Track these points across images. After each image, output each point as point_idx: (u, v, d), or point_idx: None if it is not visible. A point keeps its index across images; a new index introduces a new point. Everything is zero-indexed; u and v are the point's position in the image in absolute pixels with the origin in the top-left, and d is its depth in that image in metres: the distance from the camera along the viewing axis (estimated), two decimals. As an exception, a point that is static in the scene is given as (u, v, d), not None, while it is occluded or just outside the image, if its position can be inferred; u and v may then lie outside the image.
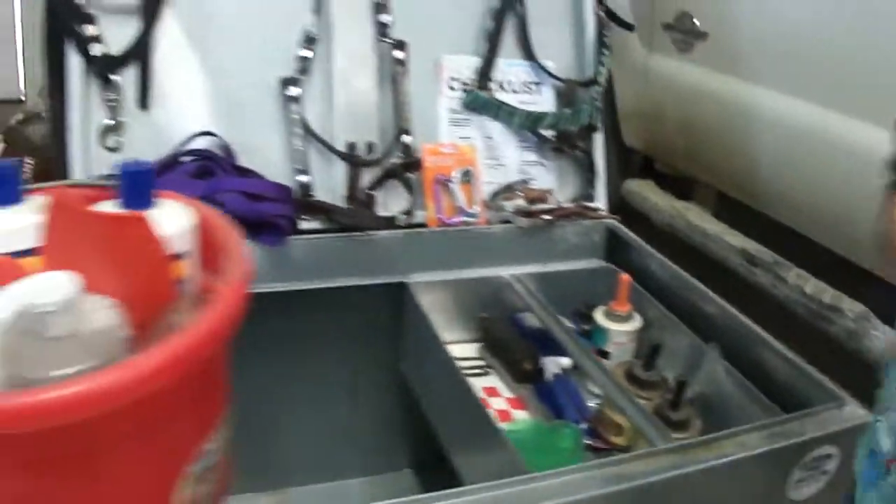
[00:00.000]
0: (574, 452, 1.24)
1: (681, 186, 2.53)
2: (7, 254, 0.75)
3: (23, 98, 3.63)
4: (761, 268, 2.14)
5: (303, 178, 1.41)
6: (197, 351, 0.63)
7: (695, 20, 2.29)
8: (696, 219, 2.33)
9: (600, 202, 1.63)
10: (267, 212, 1.30)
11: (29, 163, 2.38)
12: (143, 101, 1.39)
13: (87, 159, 1.36)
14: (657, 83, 2.43)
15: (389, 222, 1.41)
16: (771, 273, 2.10)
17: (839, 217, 1.87)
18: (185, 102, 1.42)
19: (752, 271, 2.20)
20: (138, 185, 0.76)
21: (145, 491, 0.68)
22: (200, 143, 1.40)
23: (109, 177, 0.84)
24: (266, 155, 1.43)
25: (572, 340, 1.36)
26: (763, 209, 2.20)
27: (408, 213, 1.45)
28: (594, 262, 1.59)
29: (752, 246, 2.18)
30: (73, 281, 0.62)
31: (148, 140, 1.39)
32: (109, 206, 0.80)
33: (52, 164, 2.47)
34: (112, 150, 1.38)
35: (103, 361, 0.60)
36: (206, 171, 1.35)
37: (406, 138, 1.47)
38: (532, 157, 1.61)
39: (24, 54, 3.57)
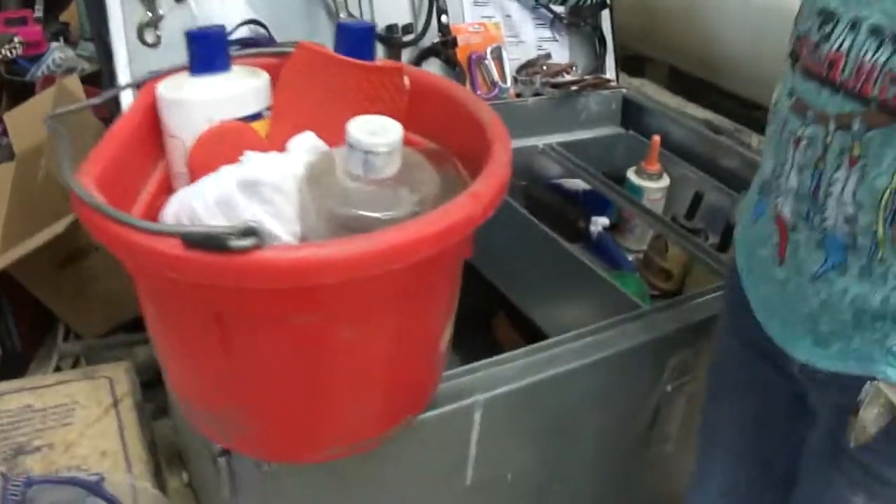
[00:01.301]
0: (643, 296, 1.35)
1: (630, 64, 2.63)
2: (239, 119, 0.77)
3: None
4: (725, 135, 2.27)
5: (350, 61, 1.43)
6: (492, 206, 0.65)
7: None
8: (655, 94, 2.45)
9: (610, 73, 1.71)
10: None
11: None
12: (179, -9, 1.37)
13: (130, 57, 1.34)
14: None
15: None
16: (734, 139, 2.24)
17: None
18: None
19: (717, 139, 2.33)
20: (361, 41, 0.78)
21: (437, 328, 0.75)
22: (242, 32, 1.40)
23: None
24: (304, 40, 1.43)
25: (622, 196, 1.45)
26: (718, 81, 2.33)
27: (461, 88, 1.49)
28: (613, 129, 1.69)
29: (711, 116, 2.32)
30: (398, 127, 0.66)
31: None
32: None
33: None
34: (151, 45, 1.36)
35: (422, 208, 0.65)
36: (257, 60, 1.36)
37: (444, 18, 1.50)
38: (547, 33, 1.68)
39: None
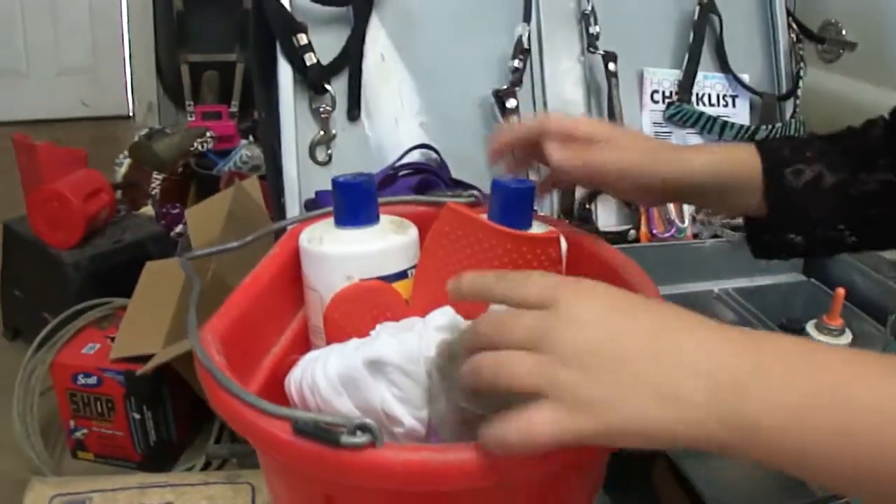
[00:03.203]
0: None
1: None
2: (381, 278, 0.73)
3: (131, 114, 3.63)
4: (914, 281, 2.10)
5: (526, 193, 1.39)
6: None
7: (842, 29, 2.25)
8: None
9: (795, 216, 1.61)
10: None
11: (157, 178, 2.40)
12: (353, 112, 1.37)
13: (299, 174, 1.35)
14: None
15: (621, 237, 1.40)
16: (925, 287, 2.06)
17: None
18: (395, 114, 1.41)
19: (905, 285, 2.15)
20: (518, 202, 0.74)
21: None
22: (413, 157, 1.39)
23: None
24: (477, 168, 1.40)
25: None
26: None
27: (636, 228, 1.43)
28: (793, 277, 1.58)
29: (902, 259, 2.14)
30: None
31: (357, 153, 1.38)
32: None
33: (180, 182, 2.48)
34: (322, 164, 1.37)
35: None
36: (427, 186, 1.33)
37: (621, 154, 1.44)
38: (727, 170, 1.59)
39: (132, 71, 3.57)
